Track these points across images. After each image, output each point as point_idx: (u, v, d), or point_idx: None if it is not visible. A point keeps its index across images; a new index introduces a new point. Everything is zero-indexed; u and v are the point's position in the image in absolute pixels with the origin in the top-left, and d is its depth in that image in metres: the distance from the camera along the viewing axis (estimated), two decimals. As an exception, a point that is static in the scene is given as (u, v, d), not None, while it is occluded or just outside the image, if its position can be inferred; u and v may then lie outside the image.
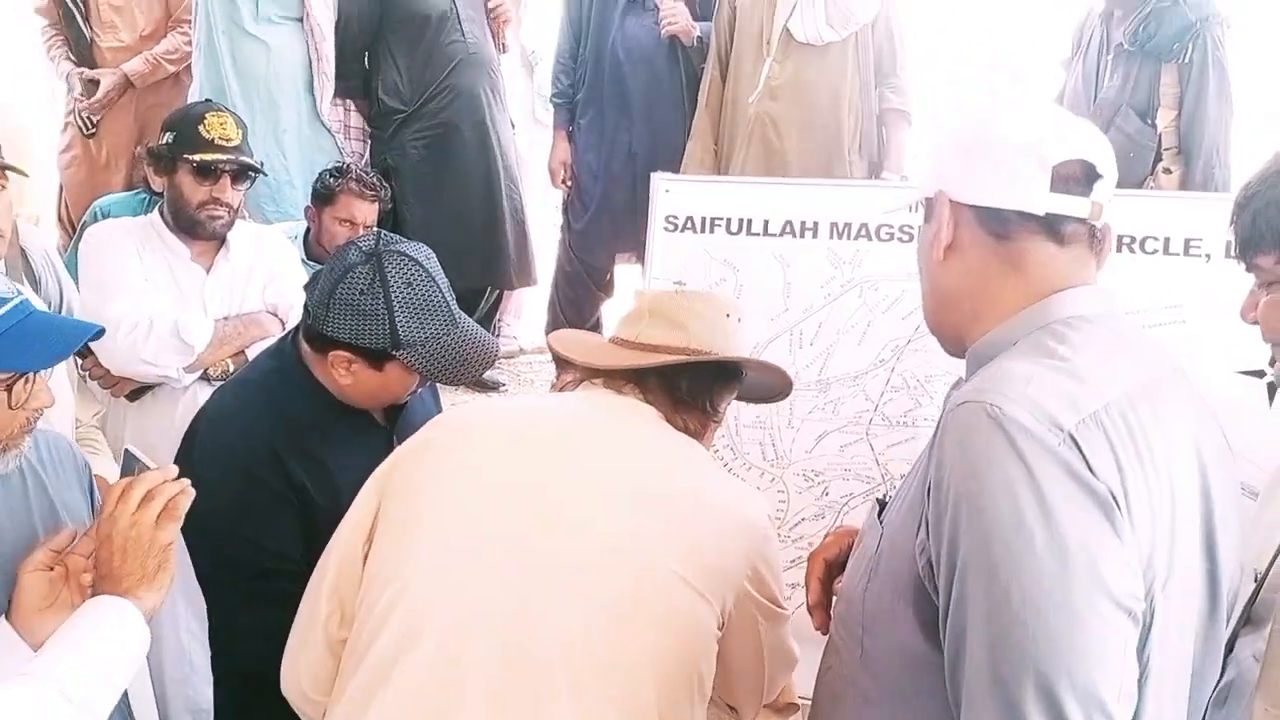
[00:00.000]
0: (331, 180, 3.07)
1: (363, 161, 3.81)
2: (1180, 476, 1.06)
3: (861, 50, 3.46)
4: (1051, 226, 1.11)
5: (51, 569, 1.28)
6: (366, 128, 3.98)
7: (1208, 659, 1.13)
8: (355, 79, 3.87)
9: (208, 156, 2.32)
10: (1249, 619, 1.22)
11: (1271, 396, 1.38)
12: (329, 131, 3.88)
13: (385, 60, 3.85)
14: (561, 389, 1.59)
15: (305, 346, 1.77)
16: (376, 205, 3.12)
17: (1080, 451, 0.97)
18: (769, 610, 1.39)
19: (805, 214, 2.06)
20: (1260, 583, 1.26)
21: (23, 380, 1.27)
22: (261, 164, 2.48)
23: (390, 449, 1.51)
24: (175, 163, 2.33)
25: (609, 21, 3.88)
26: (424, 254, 1.72)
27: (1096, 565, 0.94)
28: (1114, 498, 0.97)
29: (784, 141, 3.46)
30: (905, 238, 2.01)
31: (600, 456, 1.37)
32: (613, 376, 1.48)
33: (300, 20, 3.76)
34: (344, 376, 1.70)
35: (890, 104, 3.53)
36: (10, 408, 1.27)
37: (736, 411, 2.05)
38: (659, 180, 2.14)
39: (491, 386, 4.11)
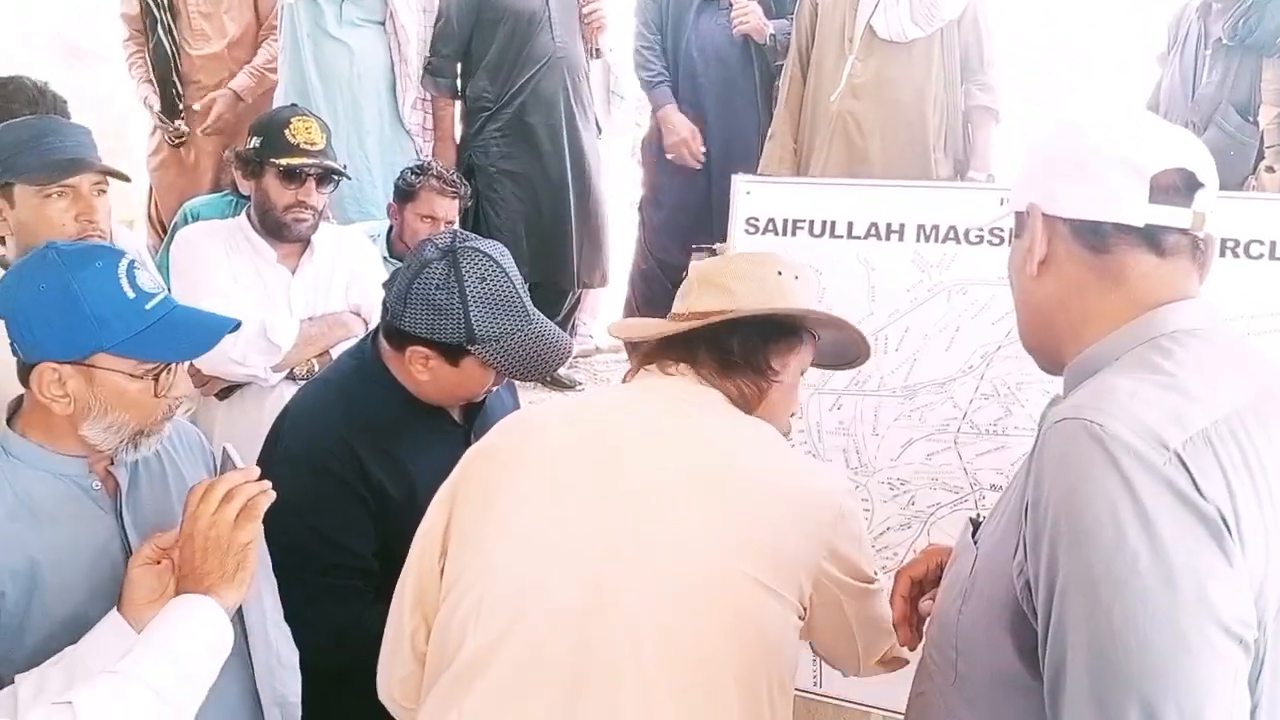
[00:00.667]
0: (413, 177, 3.12)
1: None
2: None
3: (947, 47, 3.40)
4: (1151, 238, 1.07)
5: (159, 563, 1.33)
6: (447, 129, 4.03)
7: None
8: (449, 76, 3.94)
9: (293, 161, 2.36)
10: None
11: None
12: (408, 133, 3.95)
13: (476, 58, 3.91)
14: (624, 378, 1.56)
15: (384, 344, 1.79)
16: (457, 202, 3.16)
17: (1187, 471, 0.93)
18: (852, 588, 1.36)
19: (890, 216, 2.01)
20: None
21: (167, 370, 1.37)
22: (345, 167, 2.52)
23: (467, 447, 1.52)
24: (262, 167, 2.38)
25: (684, 21, 3.91)
26: (499, 251, 1.75)
27: (1205, 589, 0.90)
28: (1224, 520, 0.93)
29: (867, 140, 3.41)
30: (996, 240, 1.95)
31: (664, 453, 1.35)
32: (664, 353, 1.46)
33: (383, 23, 3.82)
34: (421, 373, 1.73)
35: (977, 101, 3.46)
36: (156, 396, 1.36)
37: (819, 418, 2.03)
38: (740, 182, 2.12)
39: (569, 385, 4.13)
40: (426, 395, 1.78)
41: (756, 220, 2.10)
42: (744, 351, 1.43)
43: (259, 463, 1.76)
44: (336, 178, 2.46)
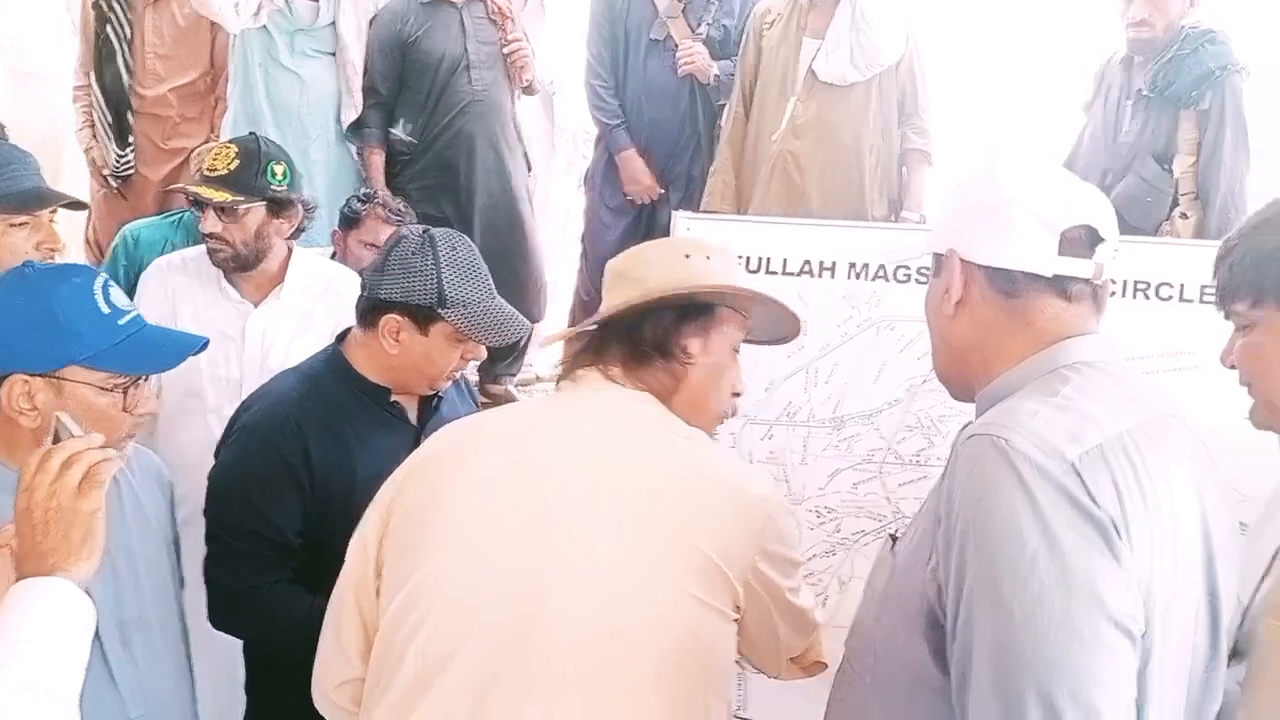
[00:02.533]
0: (359, 205, 3.15)
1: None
2: (1181, 512, 1.10)
3: (884, 91, 3.51)
4: (1059, 286, 1.18)
5: None
6: (376, 177, 3.93)
7: (1207, 691, 1.17)
8: (375, 127, 3.89)
9: (187, 188, 2.40)
10: (1235, 650, 1.24)
11: (1284, 441, 1.40)
12: (355, 161, 3.96)
13: (400, 105, 3.88)
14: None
15: (355, 333, 1.89)
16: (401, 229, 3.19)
17: (1082, 481, 1.03)
18: (780, 588, 1.39)
19: (824, 254, 2.10)
20: (1244, 613, 1.29)
21: (135, 385, 1.40)
22: (234, 199, 2.31)
23: (415, 449, 1.55)
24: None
25: (633, 62, 3.94)
26: (465, 237, 1.89)
27: (1096, 587, 0.99)
28: (1114, 525, 1.02)
29: (806, 179, 3.50)
30: (922, 279, 2.03)
31: (596, 469, 1.36)
32: (579, 357, 1.48)
33: (334, 54, 3.85)
34: (393, 346, 1.82)
35: (912, 144, 3.57)
36: (124, 410, 1.39)
37: (751, 447, 2.08)
38: (681, 218, 2.18)
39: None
40: (393, 375, 1.87)
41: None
42: (654, 337, 1.44)
43: (226, 430, 1.92)
44: (242, 206, 2.31)
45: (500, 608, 1.30)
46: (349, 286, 2.55)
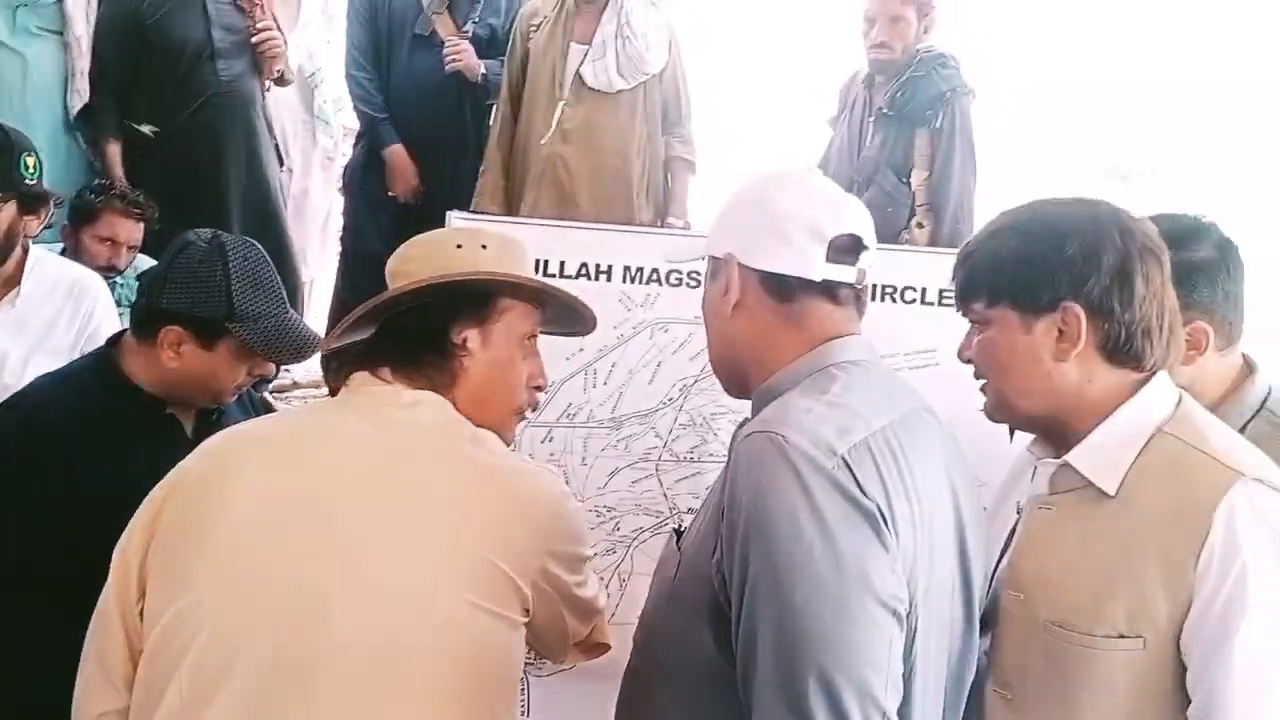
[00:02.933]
0: (93, 197, 2.91)
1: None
2: (936, 499, 1.22)
3: (649, 99, 3.62)
4: (828, 290, 1.29)
5: None
6: (112, 170, 3.61)
7: (964, 662, 1.29)
8: (108, 113, 3.59)
9: None
10: (983, 622, 1.38)
11: (1012, 432, 1.56)
12: (84, 150, 3.65)
13: (137, 93, 3.60)
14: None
15: (128, 341, 1.73)
16: (142, 225, 2.98)
17: (852, 473, 1.11)
18: (568, 584, 1.40)
19: (600, 257, 2.13)
20: (988, 589, 1.43)
21: None
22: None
23: None
24: None
25: (397, 57, 3.86)
26: (257, 245, 1.77)
27: (866, 572, 1.08)
28: (881, 513, 1.11)
29: (575, 183, 3.55)
30: (693, 283, 2.11)
31: (370, 484, 1.31)
32: (353, 354, 1.42)
33: (61, 33, 3.53)
34: (172, 359, 1.68)
35: (676, 152, 3.71)
36: None
37: (532, 450, 2.09)
38: (455, 218, 2.15)
39: None
40: (170, 388, 1.72)
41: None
42: (423, 330, 1.40)
43: None
44: None
45: (273, 630, 1.23)
46: (93, 292, 2.36)
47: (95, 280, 2.45)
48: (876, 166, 3.34)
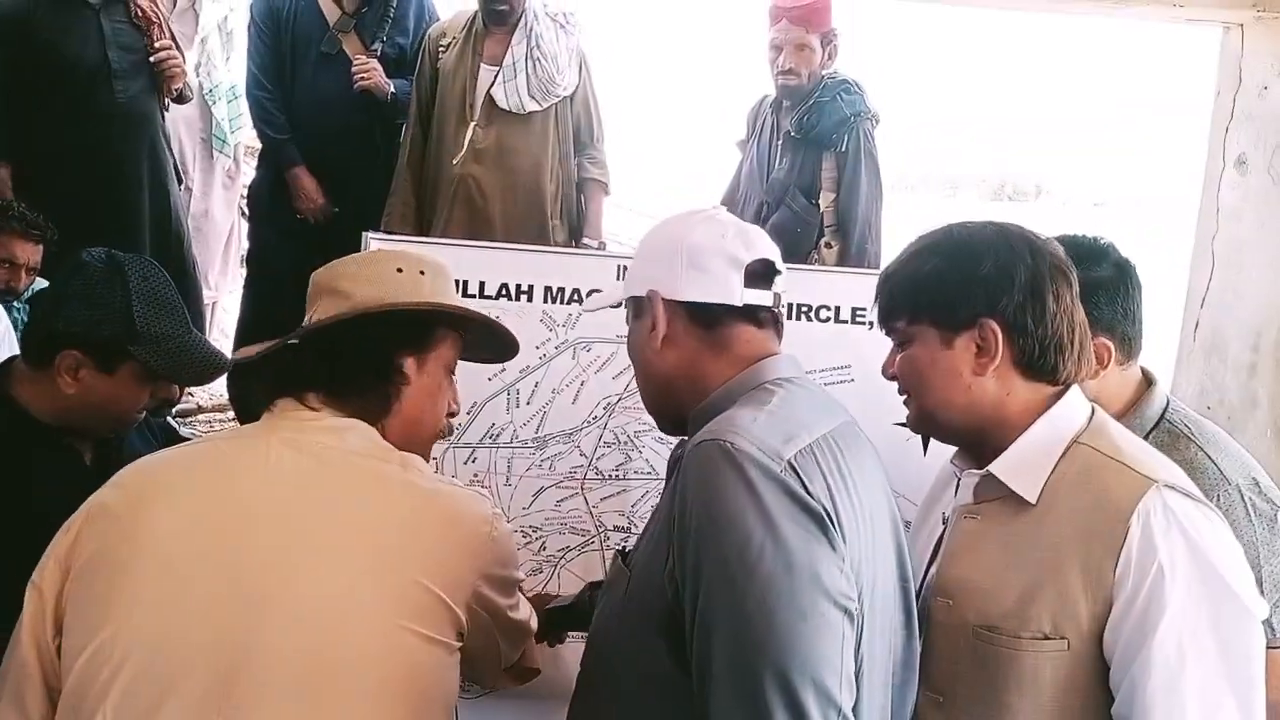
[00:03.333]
0: None
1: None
2: (874, 505, 1.26)
3: (561, 120, 3.64)
4: (750, 314, 1.35)
5: None
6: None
7: (908, 669, 1.32)
8: (2, 141, 3.40)
9: None
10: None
11: (926, 444, 1.62)
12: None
13: (26, 117, 3.40)
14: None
15: (19, 367, 1.65)
16: (41, 246, 2.87)
17: (799, 476, 1.15)
18: (501, 607, 1.40)
19: (520, 277, 2.13)
20: (918, 595, 1.49)
21: None
22: None
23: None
24: None
25: (302, 75, 3.78)
26: (156, 264, 1.69)
27: (817, 572, 1.10)
28: (828, 514, 1.14)
29: (489, 203, 3.55)
30: (614, 304, 2.13)
31: (297, 514, 1.28)
32: (280, 383, 1.38)
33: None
34: (69, 385, 1.60)
35: (589, 174, 3.73)
36: None
37: (454, 470, 2.08)
38: (372, 239, 2.13)
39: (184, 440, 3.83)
40: (69, 416, 1.64)
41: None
42: (365, 356, 1.38)
43: None
44: None
45: (200, 663, 1.20)
46: None
47: None
48: (786, 189, 3.41)
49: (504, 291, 2.13)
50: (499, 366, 2.10)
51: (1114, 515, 1.25)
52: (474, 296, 2.13)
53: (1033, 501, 1.32)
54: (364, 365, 1.38)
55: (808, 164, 3.41)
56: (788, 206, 3.40)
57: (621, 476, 2.12)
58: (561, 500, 2.10)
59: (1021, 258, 1.34)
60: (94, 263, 1.63)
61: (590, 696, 1.29)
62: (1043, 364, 1.35)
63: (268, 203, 3.92)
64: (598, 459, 2.11)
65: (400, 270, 1.45)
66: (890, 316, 1.43)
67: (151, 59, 3.54)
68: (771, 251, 1.39)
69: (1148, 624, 1.22)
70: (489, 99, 3.55)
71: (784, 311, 1.41)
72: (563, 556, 2.11)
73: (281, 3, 3.75)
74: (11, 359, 1.71)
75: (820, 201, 3.39)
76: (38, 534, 1.36)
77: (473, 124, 3.54)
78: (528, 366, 2.10)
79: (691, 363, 1.35)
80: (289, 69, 3.78)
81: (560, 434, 2.11)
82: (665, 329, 1.35)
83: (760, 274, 1.36)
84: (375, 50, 3.75)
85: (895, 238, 3.44)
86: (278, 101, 3.79)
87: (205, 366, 1.69)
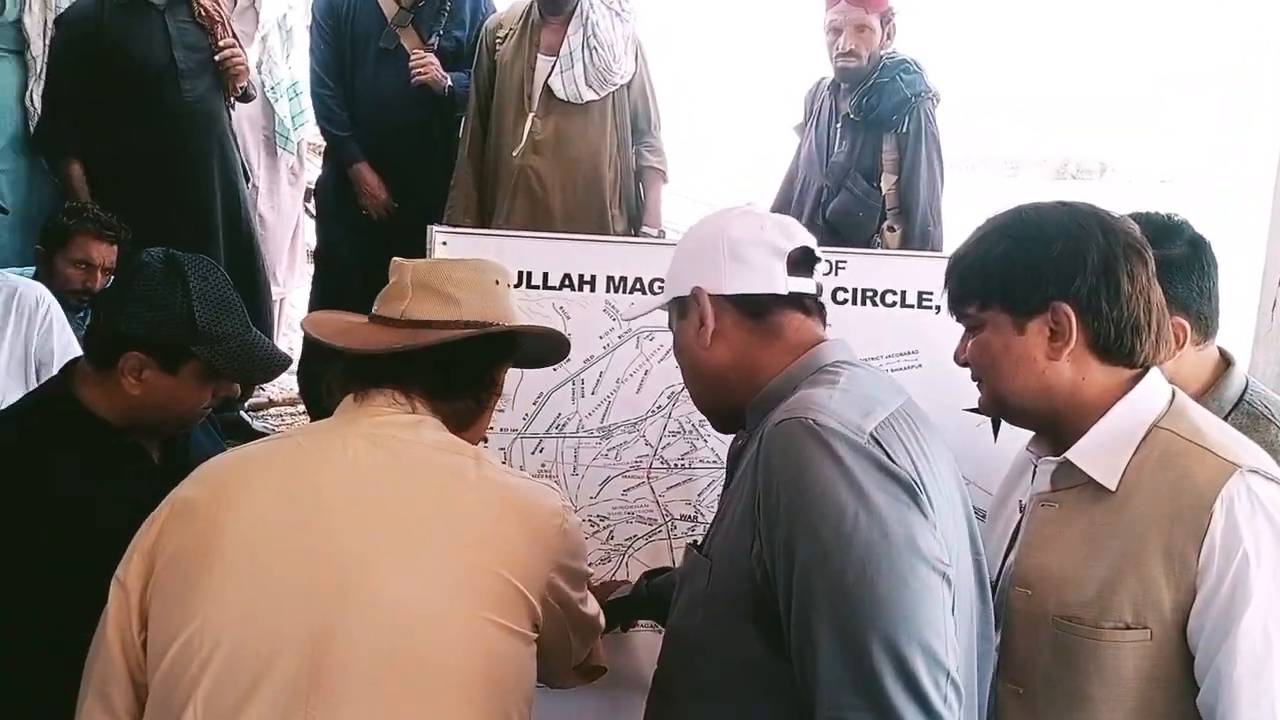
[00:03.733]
0: (66, 220, 2.87)
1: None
2: (946, 478, 1.25)
3: (619, 109, 3.64)
4: (796, 301, 1.36)
5: None
6: (77, 193, 3.55)
7: (985, 640, 1.31)
8: (67, 141, 3.54)
9: None
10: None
11: (996, 430, 1.60)
12: (47, 171, 3.59)
13: (100, 120, 3.52)
14: (326, 394, 1.49)
15: (84, 369, 1.67)
16: (116, 247, 2.94)
17: (883, 448, 1.14)
18: (573, 600, 1.42)
19: (583, 268, 2.14)
20: (994, 589, 1.47)
21: None
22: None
23: (162, 493, 1.41)
24: None
25: (362, 72, 3.81)
26: (215, 263, 1.72)
27: (913, 536, 1.10)
28: (916, 482, 1.14)
29: (548, 194, 3.56)
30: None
31: (381, 506, 1.31)
32: (367, 375, 1.42)
33: (20, 53, 3.48)
34: (133, 386, 1.62)
35: (647, 162, 3.73)
36: None
37: (522, 461, 2.10)
38: (437, 233, 2.16)
39: (262, 436, 3.92)
40: (134, 417, 1.67)
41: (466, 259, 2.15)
42: (469, 367, 1.45)
43: None
44: None
45: (288, 652, 1.23)
46: (35, 305, 2.32)
47: (35, 288, 2.42)
48: (846, 172, 3.37)
49: (567, 282, 2.14)
50: (565, 357, 2.11)
51: (1197, 502, 1.23)
52: (538, 287, 2.15)
53: (1112, 489, 1.30)
54: (473, 375, 1.46)
55: (868, 146, 3.36)
56: (848, 190, 3.36)
57: (687, 465, 2.12)
58: (628, 489, 2.11)
59: (1093, 237, 1.31)
60: (154, 264, 1.65)
61: (672, 691, 1.28)
62: (1119, 346, 1.32)
63: (333, 199, 3.98)
64: (663, 448, 2.12)
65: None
66: (960, 302, 1.41)
67: (216, 58, 3.63)
68: (809, 239, 1.40)
69: (1233, 612, 1.19)
70: (546, 89, 3.56)
71: (826, 298, 1.43)
72: (630, 545, 2.12)
73: (341, 0, 3.78)
74: (75, 361, 1.74)
75: (881, 184, 3.35)
76: (112, 533, 1.40)
77: (531, 115, 3.55)
78: (591, 356, 2.11)
79: (744, 355, 1.35)
80: (349, 66, 3.81)
81: (625, 423, 2.11)
82: (714, 324, 1.35)
83: (801, 261, 1.37)
84: (433, 44, 3.77)
85: (957, 219, 3.40)
86: (339, 98, 3.83)
87: (266, 365, 1.71)
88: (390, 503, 1.32)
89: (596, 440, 2.11)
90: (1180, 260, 1.60)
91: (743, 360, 1.35)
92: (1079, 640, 1.27)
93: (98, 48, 3.46)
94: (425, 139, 3.86)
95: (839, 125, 3.45)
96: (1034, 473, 1.43)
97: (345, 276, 3.76)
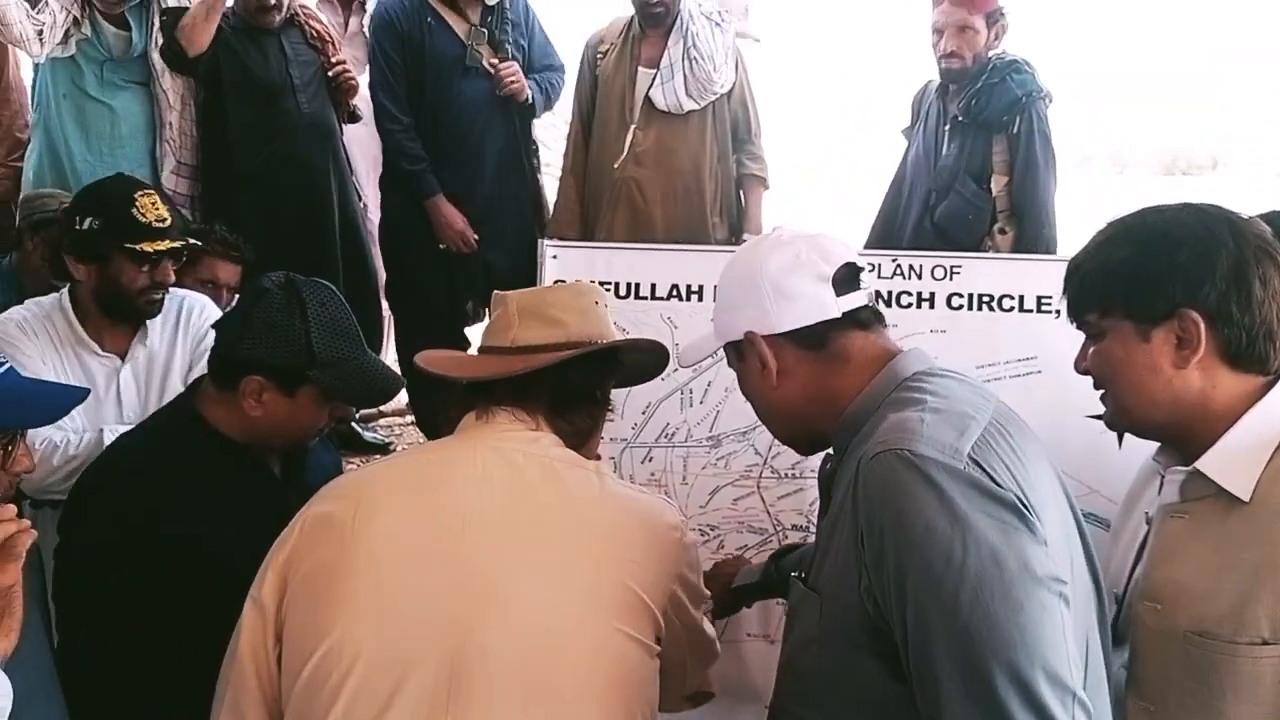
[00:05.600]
0: (194, 241, 2.99)
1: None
2: (1049, 485, 1.21)
3: (718, 119, 3.64)
4: (852, 319, 1.32)
5: None
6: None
7: (1108, 664, 1.26)
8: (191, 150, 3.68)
9: (156, 246, 2.19)
10: (1118, 636, 1.35)
11: (1120, 437, 1.53)
12: (169, 198, 3.74)
13: (217, 132, 3.65)
14: (448, 418, 1.52)
15: (208, 389, 1.74)
16: (239, 267, 3.05)
17: (982, 469, 1.11)
18: (693, 616, 1.43)
19: (689, 278, 2.15)
20: (1120, 603, 1.41)
21: (12, 441, 1.30)
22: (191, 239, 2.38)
23: (286, 506, 1.47)
24: (109, 251, 2.20)
25: (445, 93, 3.73)
26: (332, 288, 1.77)
27: (1025, 559, 1.07)
28: (1021, 501, 1.10)
29: (650, 205, 3.58)
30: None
31: (512, 517, 1.34)
32: (487, 395, 1.45)
33: (147, 84, 3.66)
34: (254, 408, 1.68)
35: (747, 169, 3.72)
36: (2, 468, 1.30)
37: (632, 470, 2.11)
38: (547, 247, 2.19)
39: (380, 448, 4.03)
40: (254, 436, 1.73)
41: (564, 283, 2.17)
42: (585, 385, 1.48)
43: (71, 504, 1.72)
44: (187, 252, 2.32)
45: (426, 664, 1.25)
46: (198, 312, 2.43)
47: (203, 302, 2.51)
48: (955, 175, 3.30)
49: (674, 293, 2.15)
50: (671, 366, 2.11)
51: None
52: (645, 299, 2.16)
53: (1246, 499, 1.24)
54: (587, 392, 1.49)
55: (977, 148, 3.29)
56: (958, 193, 3.28)
57: (798, 475, 2.10)
58: (738, 499, 2.10)
59: (1223, 242, 1.25)
60: (274, 290, 1.71)
61: None
62: (1252, 354, 1.26)
63: (407, 232, 3.88)
64: (773, 457, 2.10)
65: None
66: (1081, 309, 1.36)
67: (330, 73, 3.75)
68: (848, 254, 1.36)
69: None
70: (648, 101, 3.59)
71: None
72: (741, 554, 2.10)
73: (408, 28, 3.72)
74: (200, 379, 1.82)
75: (992, 186, 3.27)
76: (239, 545, 1.46)
77: (633, 127, 3.58)
78: (700, 366, 2.11)
79: (818, 387, 1.32)
80: (430, 90, 3.74)
81: (735, 433, 2.11)
82: (776, 364, 1.33)
83: (846, 279, 1.33)
84: (507, 54, 3.73)
85: (1067, 220, 3.30)
86: (410, 133, 3.75)
87: (381, 388, 1.75)
88: (521, 515, 1.34)
89: (706, 449, 2.11)
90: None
91: (819, 392, 1.32)
92: (1213, 656, 1.22)
93: (220, 67, 3.61)
94: (512, 150, 3.82)
95: (947, 127, 3.38)
96: (1161, 483, 1.37)
97: (430, 306, 3.83)
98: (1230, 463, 1.26)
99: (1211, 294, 1.24)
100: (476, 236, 3.78)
